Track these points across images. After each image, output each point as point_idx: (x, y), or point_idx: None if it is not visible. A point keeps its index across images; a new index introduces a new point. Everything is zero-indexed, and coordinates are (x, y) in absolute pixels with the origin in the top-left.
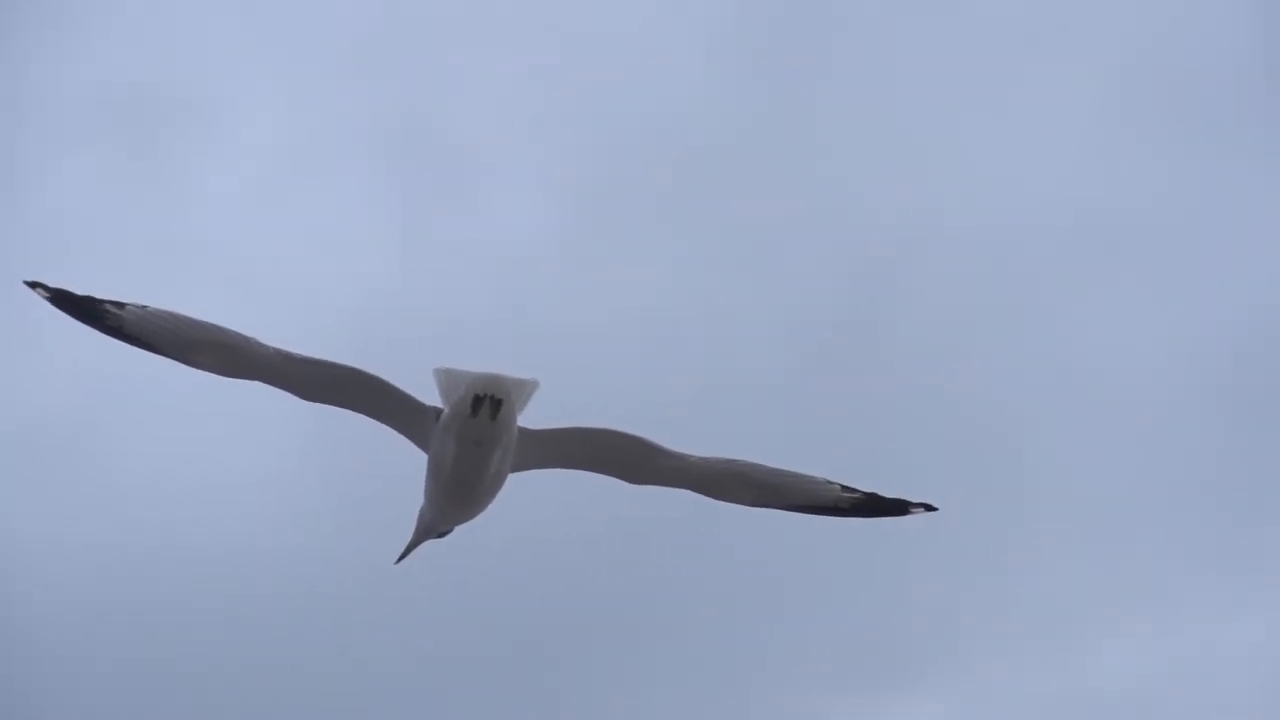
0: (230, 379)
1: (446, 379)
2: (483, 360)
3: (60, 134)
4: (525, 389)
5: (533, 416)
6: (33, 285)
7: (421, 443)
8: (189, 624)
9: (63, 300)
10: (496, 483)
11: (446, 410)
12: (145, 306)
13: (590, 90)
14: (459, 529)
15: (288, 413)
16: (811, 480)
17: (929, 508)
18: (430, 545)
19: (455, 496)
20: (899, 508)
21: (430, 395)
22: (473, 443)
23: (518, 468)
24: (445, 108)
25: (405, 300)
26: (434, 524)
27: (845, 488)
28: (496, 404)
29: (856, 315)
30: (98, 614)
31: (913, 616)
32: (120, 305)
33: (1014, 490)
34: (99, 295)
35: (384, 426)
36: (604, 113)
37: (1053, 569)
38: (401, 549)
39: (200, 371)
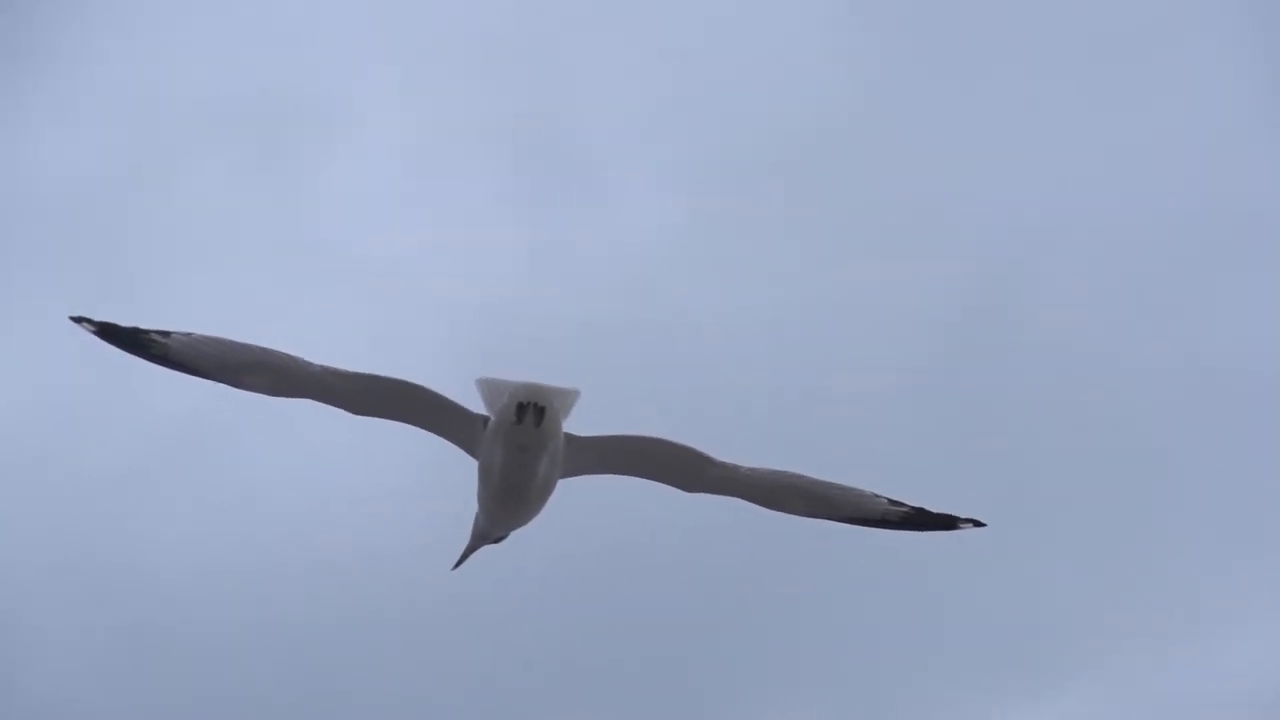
0: (280, 398)
1: (489, 389)
2: (617, 361)
3: (190, 137)
4: (567, 397)
5: (679, 412)
6: (78, 320)
7: (471, 450)
8: (317, 632)
9: (109, 333)
10: (546, 488)
11: (493, 418)
12: (190, 333)
13: (714, 85)
14: (516, 534)
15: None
16: (859, 493)
17: (977, 523)
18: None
19: (505, 502)
20: (947, 522)
21: (478, 403)
22: (519, 449)
23: (569, 473)
24: (571, 107)
25: (531, 301)
26: (488, 530)
27: (893, 501)
28: (540, 411)
29: (984, 310)
30: (227, 618)
31: (1053, 614)
32: (165, 334)
33: (1149, 484)
34: (144, 326)
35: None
36: (728, 108)
37: (1191, 564)
38: (458, 556)
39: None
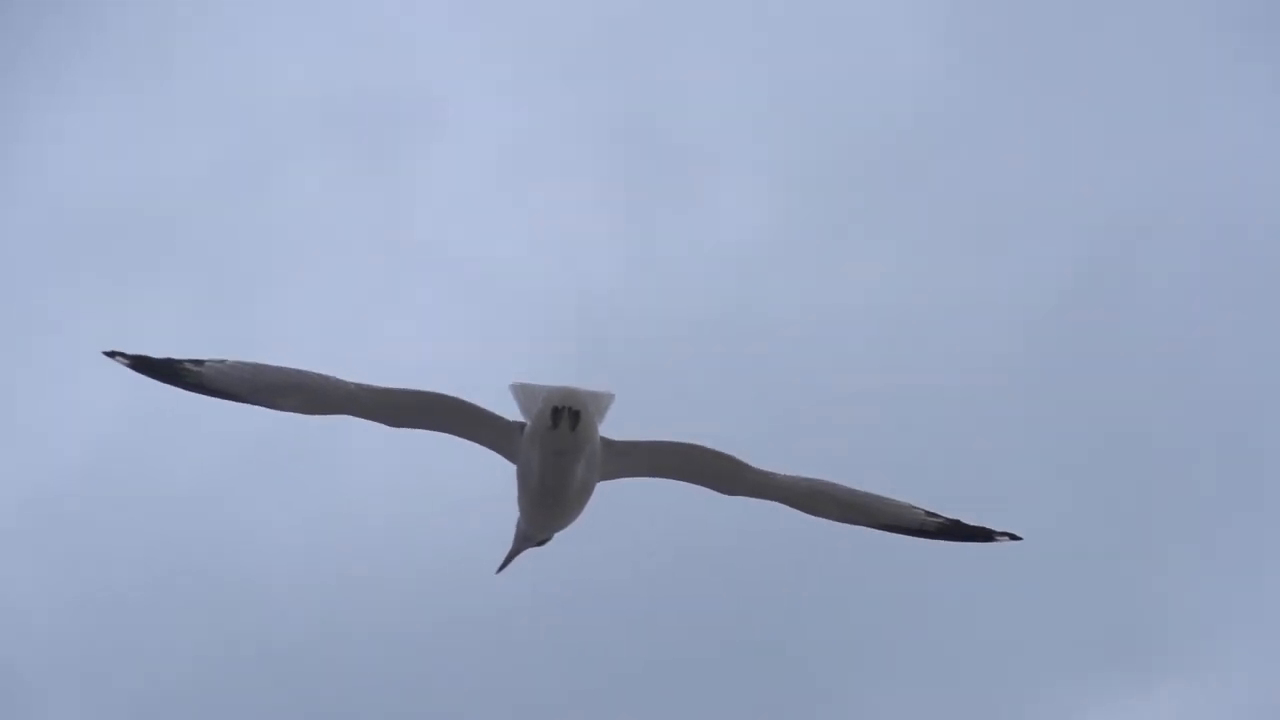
0: (317, 416)
1: (524, 394)
2: (710, 359)
3: (291, 138)
4: (601, 401)
5: (773, 410)
6: (111, 355)
7: (510, 456)
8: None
9: (144, 365)
10: (584, 491)
11: (528, 424)
12: (224, 360)
13: (809, 83)
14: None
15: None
16: (895, 503)
17: (1013, 537)
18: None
19: (544, 506)
20: (983, 535)
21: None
22: (555, 454)
23: (608, 476)
24: (668, 106)
25: (627, 299)
26: (530, 533)
27: (929, 513)
28: (575, 415)
29: (1081, 304)
30: (326, 624)
31: (1160, 605)
32: (199, 363)
33: (1258, 476)
34: (177, 356)
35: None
36: (826, 104)
37: None
38: (502, 559)
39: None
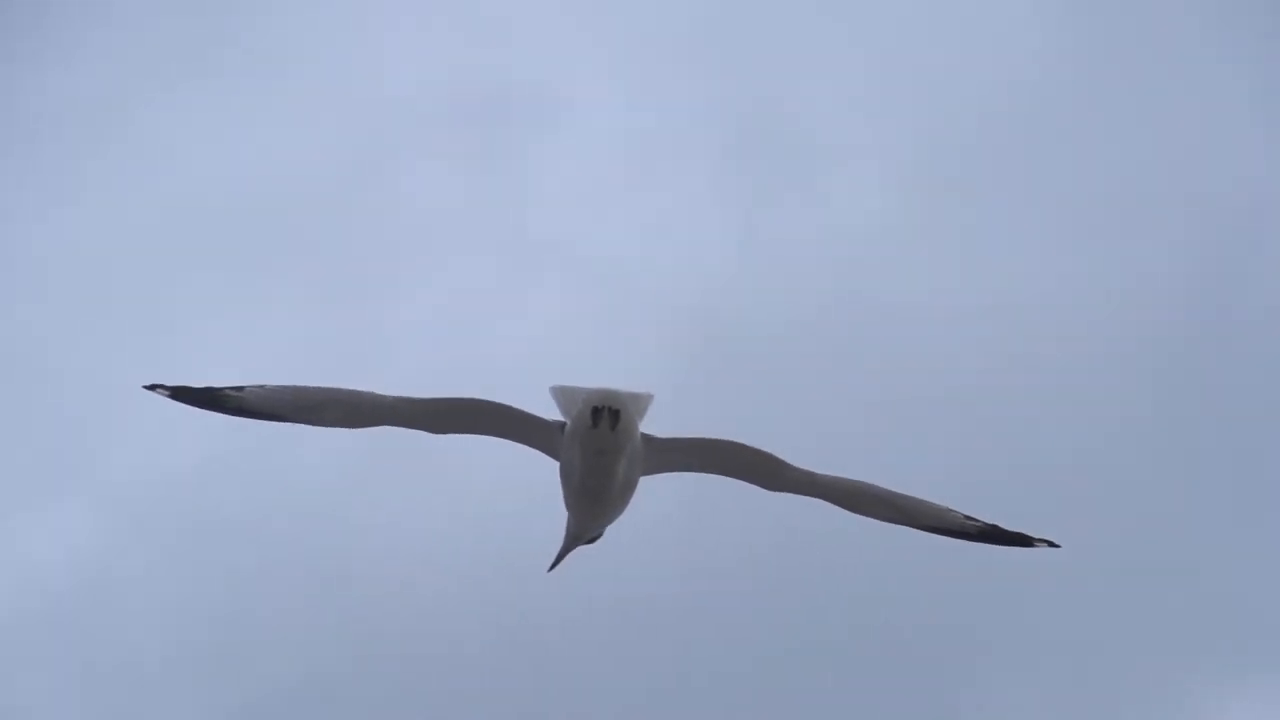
0: (359, 429)
1: (564, 396)
2: (831, 348)
3: (412, 134)
4: (640, 401)
5: (892, 401)
6: (152, 388)
7: (553, 455)
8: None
9: (183, 394)
10: (626, 488)
11: (569, 424)
12: (264, 385)
13: (925, 69)
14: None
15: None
16: (935, 506)
17: (1051, 544)
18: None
19: (587, 503)
20: (1022, 540)
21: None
22: (596, 452)
23: (651, 471)
24: (785, 94)
25: (747, 289)
26: (578, 531)
27: (968, 517)
28: (615, 415)
29: (1209, 291)
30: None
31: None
32: (240, 389)
33: None
34: (217, 385)
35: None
36: (939, 91)
37: None
38: (553, 558)
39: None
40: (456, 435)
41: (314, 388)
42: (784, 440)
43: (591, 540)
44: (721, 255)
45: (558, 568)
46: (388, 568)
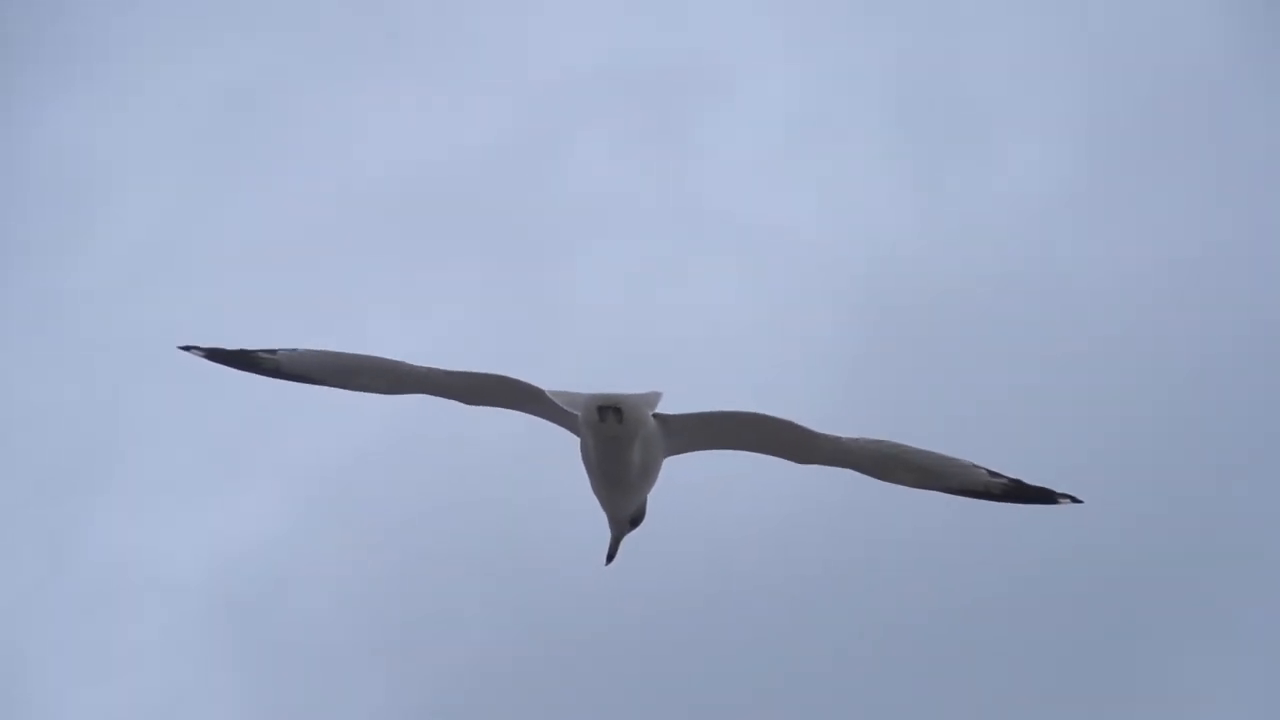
0: (394, 395)
1: (566, 399)
2: (1006, 314)
3: (581, 108)
4: (647, 400)
5: (1072, 366)
6: (187, 349)
7: (575, 433)
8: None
9: (218, 355)
10: (646, 471)
11: (580, 414)
12: (295, 349)
13: (1104, 26)
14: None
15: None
16: (961, 464)
17: (1074, 500)
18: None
19: (609, 486)
20: (1046, 496)
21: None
22: (609, 439)
23: (674, 451)
24: (954, 56)
25: (919, 256)
26: (612, 514)
27: (992, 473)
28: (618, 411)
29: None
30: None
31: None
32: (273, 351)
33: None
34: (250, 347)
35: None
36: (1119, 48)
37: None
38: (606, 551)
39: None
40: (489, 409)
41: (347, 353)
42: (958, 409)
43: (635, 523)
44: (895, 224)
45: (615, 552)
46: (565, 550)
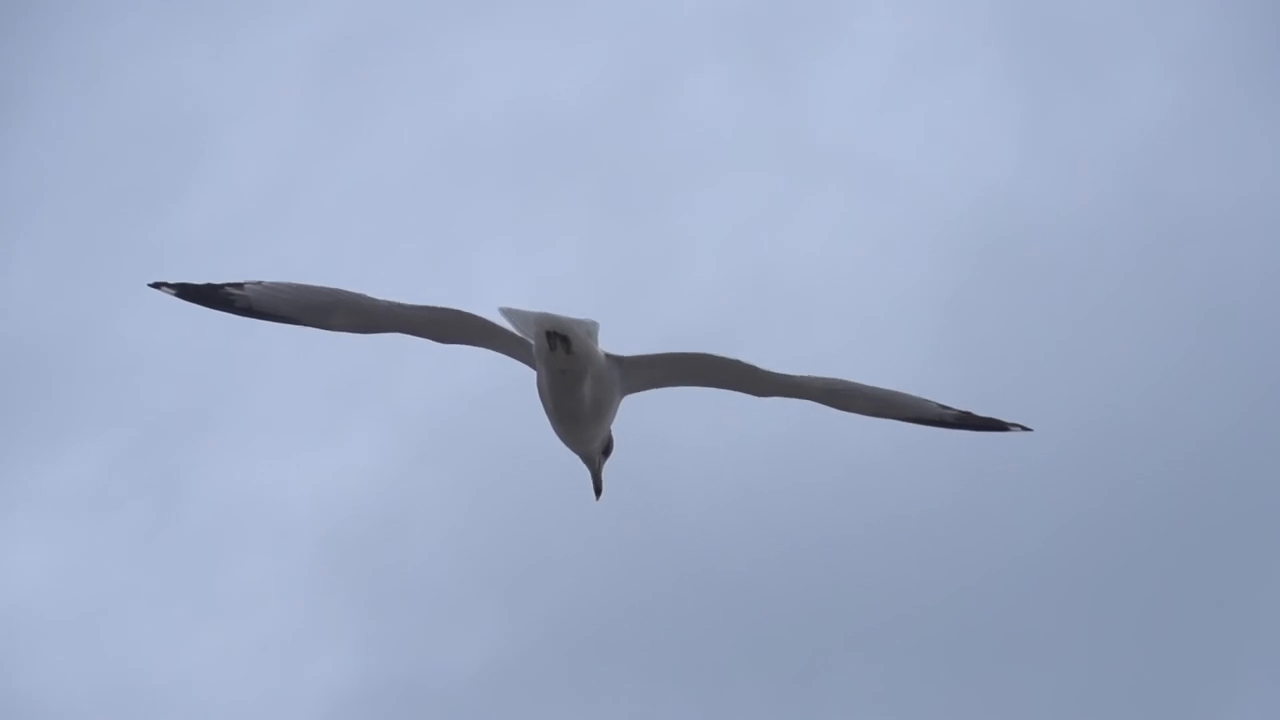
0: (369, 334)
1: (516, 318)
2: (1116, 251)
3: (690, 47)
4: (585, 327)
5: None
6: (157, 285)
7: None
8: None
9: (189, 292)
10: (599, 408)
11: (534, 343)
12: (260, 281)
13: None
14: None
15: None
16: (910, 397)
17: (1024, 428)
18: None
19: (564, 420)
20: (996, 425)
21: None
22: (559, 373)
23: (632, 390)
24: None
25: (1026, 193)
26: (577, 452)
27: (942, 405)
28: (565, 340)
29: None
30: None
31: None
32: (239, 285)
33: None
34: (216, 281)
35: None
36: None
37: None
38: (592, 486)
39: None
40: (460, 346)
41: (311, 286)
42: (1063, 342)
43: (606, 452)
44: (1003, 157)
45: (600, 484)
46: (670, 491)
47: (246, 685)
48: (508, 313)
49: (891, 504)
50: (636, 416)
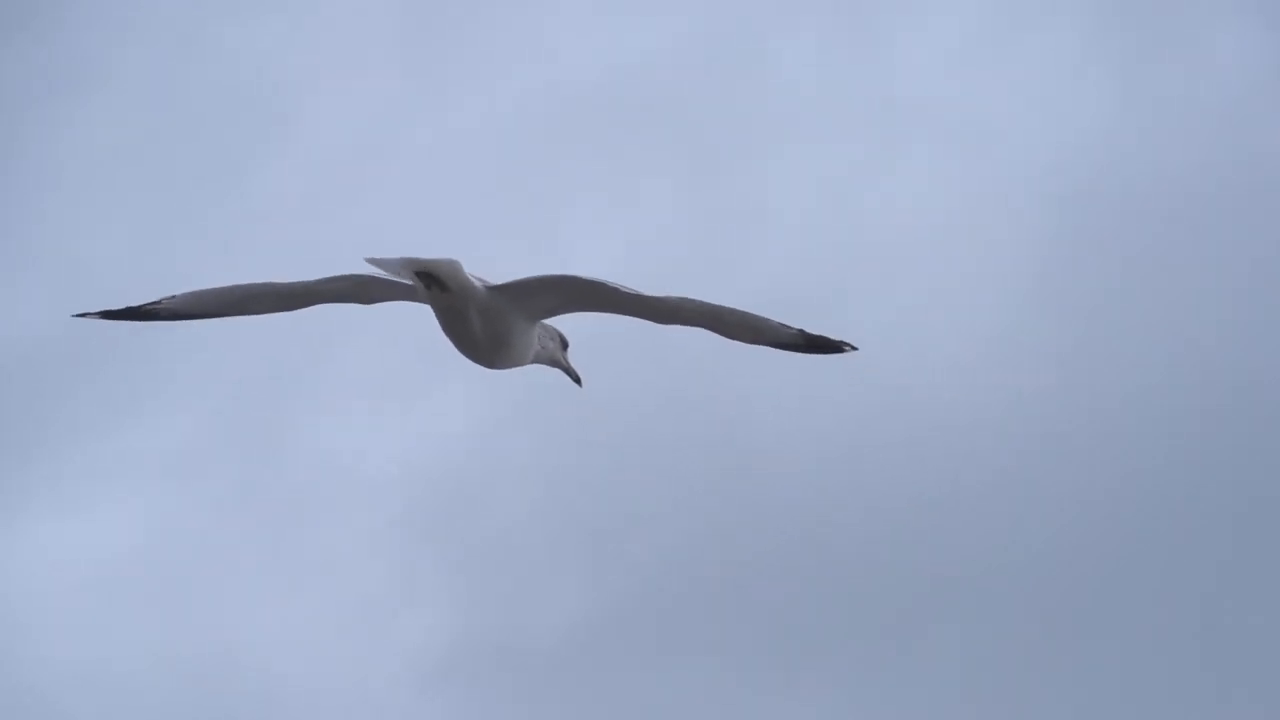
0: (291, 311)
1: (386, 267)
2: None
3: (777, 7)
4: (448, 264)
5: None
6: (81, 315)
7: None
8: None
9: (113, 315)
10: (498, 337)
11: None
12: (174, 295)
13: None
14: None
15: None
16: (758, 316)
17: (852, 347)
18: None
19: (470, 353)
20: (831, 346)
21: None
22: (443, 310)
23: (534, 316)
24: None
25: (1120, 150)
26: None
27: (782, 324)
28: (437, 280)
29: None
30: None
31: None
32: (156, 303)
33: None
34: (134, 303)
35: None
36: None
37: None
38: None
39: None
40: (385, 304)
41: (222, 287)
42: (1156, 297)
43: (564, 345)
44: (1097, 115)
45: (575, 373)
46: (761, 450)
47: (336, 648)
48: (375, 262)
49: (993, 462)
50: (727, 373)
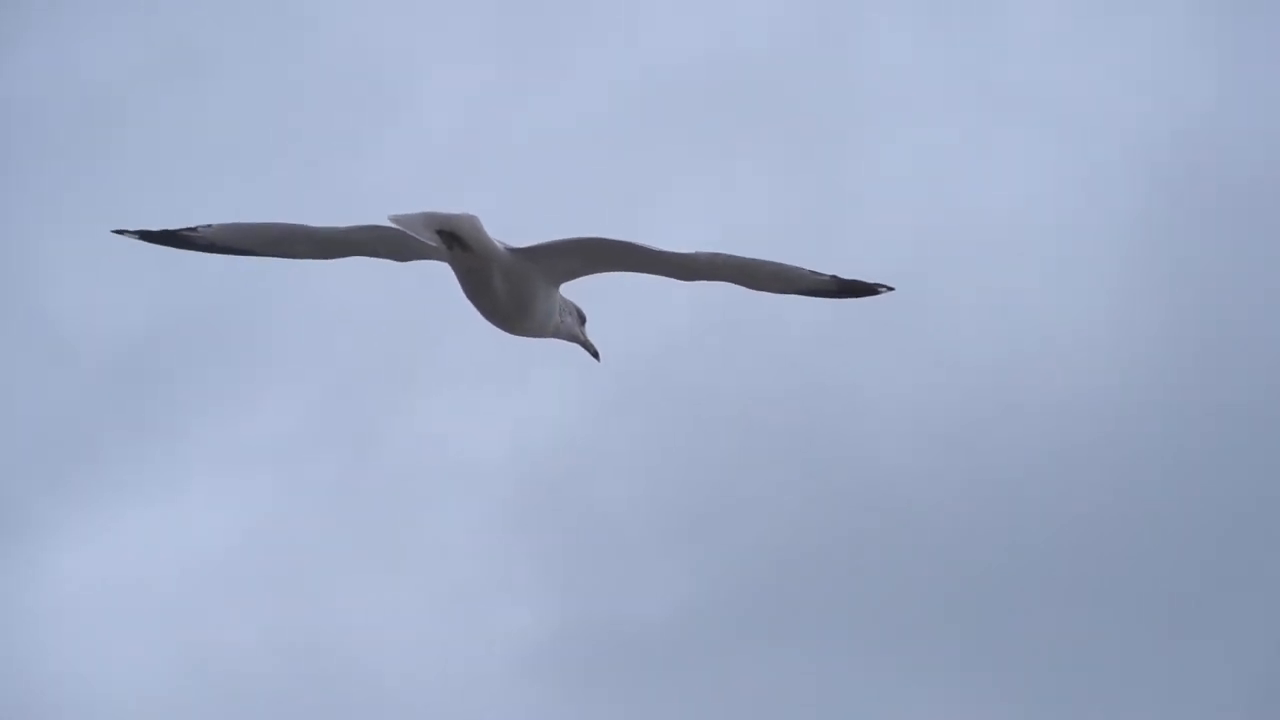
0: (333, 260)
1: (408, 224)
2: None
3: None
4: (468, 221)
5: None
6: (120, 232)
7: None
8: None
9: (151, 236)
10: (520, 300)
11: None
12: (210, 225)
13: None
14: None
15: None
16: (789, 266)
17: (888, 288)
18: None
19: (492, 317)
20: (866, 289)
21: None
22: (467, 272)
23: (557, 279)
24: None
25: (1224, 129)
26: (539, 336)
27: (813, 271)
28: (458, 239)
29: None
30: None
31: None
32: (194, 229)
33: None
34: (173, 227)
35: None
36: None
37: None
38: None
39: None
40: (418, 263)
41: (264, 223)
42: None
43: (583, 321)
44: (1201, 91)
45: (593, 347)
46: (863, 437)
47: (440, 634)
48: (397, 220)
49: (1093, 446)
50: (828, 360)
